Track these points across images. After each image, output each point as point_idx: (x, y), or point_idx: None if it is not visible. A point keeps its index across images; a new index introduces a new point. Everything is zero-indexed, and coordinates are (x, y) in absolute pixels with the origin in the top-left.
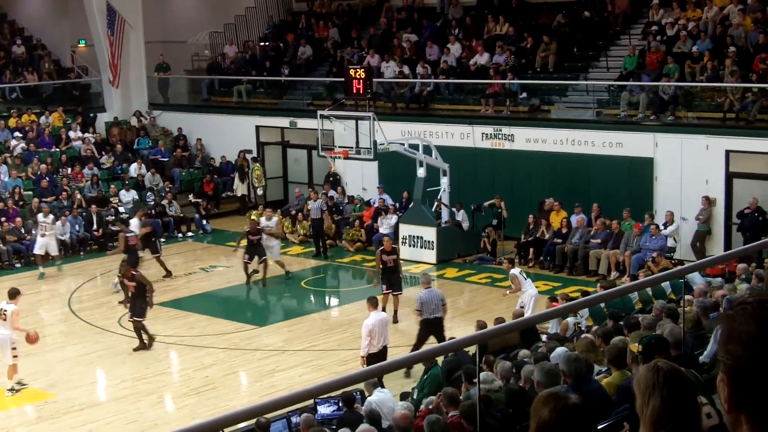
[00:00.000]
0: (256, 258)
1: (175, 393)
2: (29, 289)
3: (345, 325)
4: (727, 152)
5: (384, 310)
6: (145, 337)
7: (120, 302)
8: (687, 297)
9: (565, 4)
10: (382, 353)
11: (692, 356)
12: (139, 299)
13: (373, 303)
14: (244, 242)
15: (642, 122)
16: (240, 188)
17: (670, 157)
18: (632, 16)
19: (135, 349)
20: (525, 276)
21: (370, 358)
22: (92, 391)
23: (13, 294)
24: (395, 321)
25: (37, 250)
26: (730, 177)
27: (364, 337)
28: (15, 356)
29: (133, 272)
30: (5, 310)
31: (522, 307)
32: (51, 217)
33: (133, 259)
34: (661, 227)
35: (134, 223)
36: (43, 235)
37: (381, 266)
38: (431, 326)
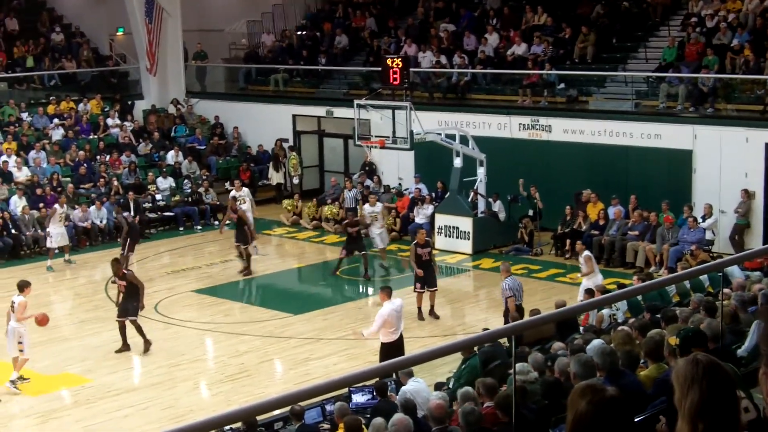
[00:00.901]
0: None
1: (210, 380)
2: (64, 276)
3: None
4: (767, 145)
5: (420, 308)
6: (129, 340)
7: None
8: (725, 290)
9: None
10: (398, 342)
11: (730, 350)
12: (129, 299)
13: (386, 292)
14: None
15: (681, 114)
16: (275, 177)
17: (709, 150)
18: (671, 7)
19: (117, 351)
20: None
21: (387, 347)
22: (128, 377)
23: (22, 286)
24: (435, 316)
25: (54, 244)
26: None
27: (375, 324)
28: (21, 350)
29: (125, 271)
30: (14, 302)
31: (589, 290)
32: (66, 206)
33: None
34: (700, 220)
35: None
36: (51, 230)
37: (416, 260)
38: (519, 311)
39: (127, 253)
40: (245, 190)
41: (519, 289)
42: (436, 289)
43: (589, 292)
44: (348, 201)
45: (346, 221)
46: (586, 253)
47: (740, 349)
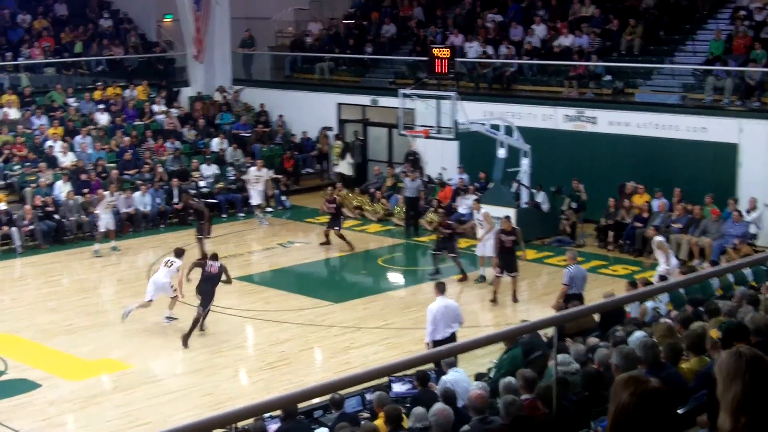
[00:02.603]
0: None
1: (250, 367)
2: (108, 261)
3: (421, 303)
4: None
5: (496, 294)
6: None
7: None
8: None
9: None
10: (449, 341)
11: None
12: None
13: (439, 288)
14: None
15: (727, 107)
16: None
17: (754, 143)
18: (720, 0)
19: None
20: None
21: (438, 345)
22: (169, 363)
23: (181, 252)
24: (515, 300)
25: (103, 228)
26: None
27: (428, 323)
28: (175, 291)
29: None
30: (173, 262)
31: (665, 276)
32: (117, 194)
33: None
34: (744, 214)
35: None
36: (98, 215)
37: (498, 247)
38: (578, 301)
39: (204, 238)
40: (264, 170)
41: (580, 278)
42: (517, 274)
43: (663, 279)
44: (410, 191)
45: (440, 221)
46: (656, 239)
47: None
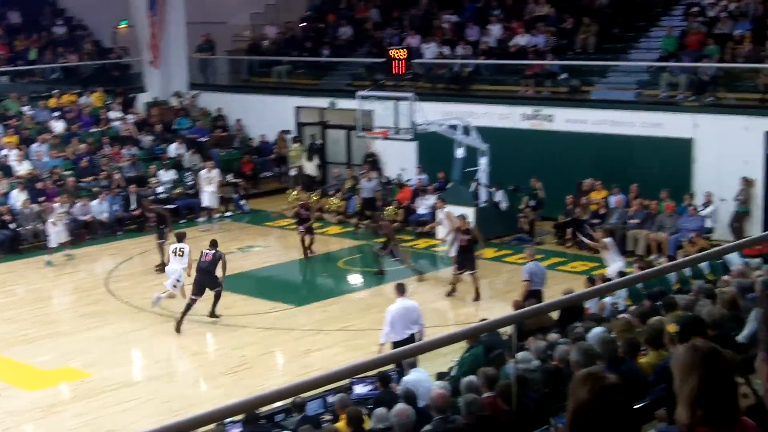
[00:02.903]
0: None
1: (211, 372)
2: (65, 269)
3: (381, 305)
4: (767, 133)
5: (454, 291)
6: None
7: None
8: (725, 277)
9: None
10: (407, 342)
11: (729, 336)
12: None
13: (399, 289)
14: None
15: (682, 103)
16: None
17: (709, 138)
18: None
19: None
20: (616, 249)
21: (396, 346)
22: (128, 371)
23: (182, 236)
24: (477, 299)
25: (54, 243)
26: None
27: (386, 324)
28: (175, 286)
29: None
30: (183, 248)
31: (623, 273)
32: (67, 205)
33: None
34: (700, 208)
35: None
36: (54, 224)
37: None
38: (536, 297)
39: (165, 243)
40: (215, 171)
41: (540, 274)
42: (475, 271)
43: (622, 275)
44: (366, 192)
45: (376, 223)
46: (604, 240)
47: (740, 335)
